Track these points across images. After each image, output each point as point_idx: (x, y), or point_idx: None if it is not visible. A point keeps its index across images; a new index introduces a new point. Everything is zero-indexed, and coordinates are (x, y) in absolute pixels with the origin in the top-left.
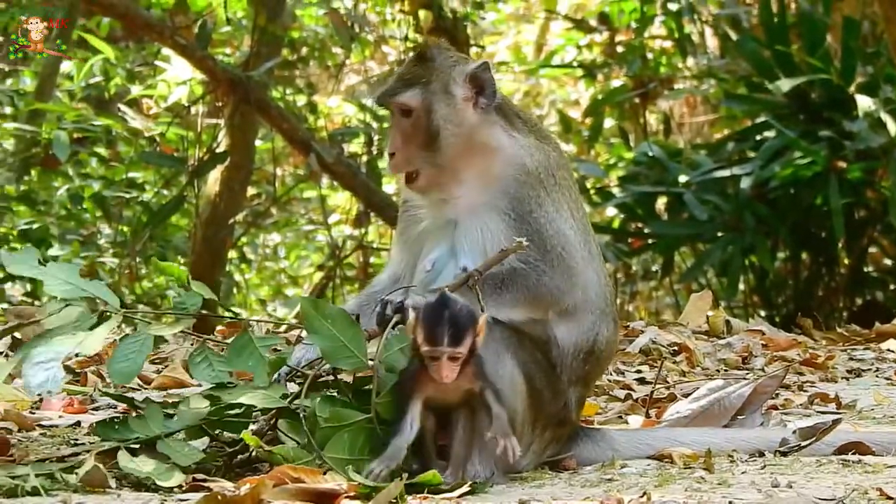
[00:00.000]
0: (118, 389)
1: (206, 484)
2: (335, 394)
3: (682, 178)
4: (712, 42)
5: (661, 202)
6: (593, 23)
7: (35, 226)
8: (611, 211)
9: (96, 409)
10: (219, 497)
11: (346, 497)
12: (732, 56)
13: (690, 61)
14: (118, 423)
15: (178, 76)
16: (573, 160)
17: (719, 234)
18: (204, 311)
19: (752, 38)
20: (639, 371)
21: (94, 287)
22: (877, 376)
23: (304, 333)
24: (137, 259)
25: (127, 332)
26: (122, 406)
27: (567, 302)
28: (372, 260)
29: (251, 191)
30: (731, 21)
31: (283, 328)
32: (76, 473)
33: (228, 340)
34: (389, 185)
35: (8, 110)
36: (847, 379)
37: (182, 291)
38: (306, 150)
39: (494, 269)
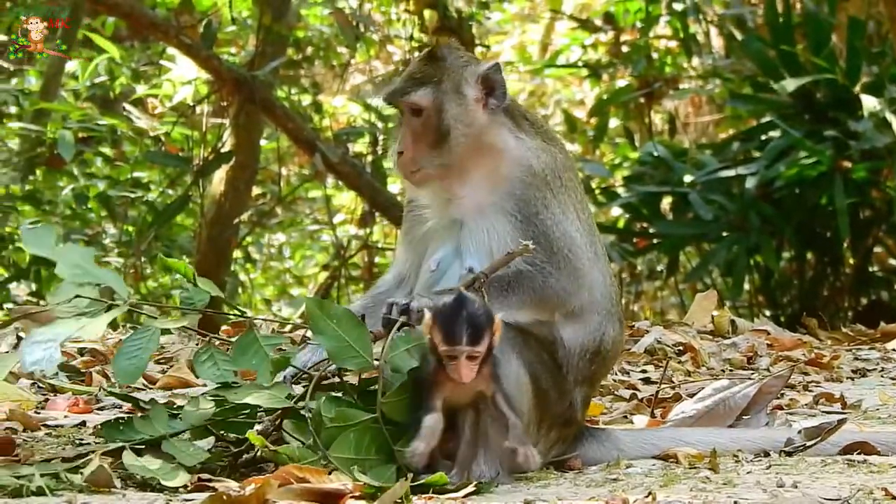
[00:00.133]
0: (123, 389)
1: (211, 484)
2: (340, 395)
3: (687, 178)
4: (717, 42)
5: (666, 202)
6: (598, 22)
7: (40, 225)
8: (616, 211)
9: (101, 409)
10: (224, 497)
11: (352, 497)
12: (737, 56)
13: (695, 61)
14: (123, 423)
15: (183, 76)
16: (578, 160)
17: (724, 233)
18: (210, 309)
19: (757, 37)
20: (644, 371)
21: (105, 274)
22: (882, 376)
23: (309, 333)
24: (142, 259)
25: (133, 329)
26: (127, 406)
27: (573, 303)
28: (377, 260)
29: (256, 190)
30: (736, 21)
31: (288, 328)
32: (81, 473)
33: (233, 340)
34: (394, 185)
35: (13, 110)
36: (852, 379)
37: (190, 287)
38: (311, 149)
39: (500, 272)
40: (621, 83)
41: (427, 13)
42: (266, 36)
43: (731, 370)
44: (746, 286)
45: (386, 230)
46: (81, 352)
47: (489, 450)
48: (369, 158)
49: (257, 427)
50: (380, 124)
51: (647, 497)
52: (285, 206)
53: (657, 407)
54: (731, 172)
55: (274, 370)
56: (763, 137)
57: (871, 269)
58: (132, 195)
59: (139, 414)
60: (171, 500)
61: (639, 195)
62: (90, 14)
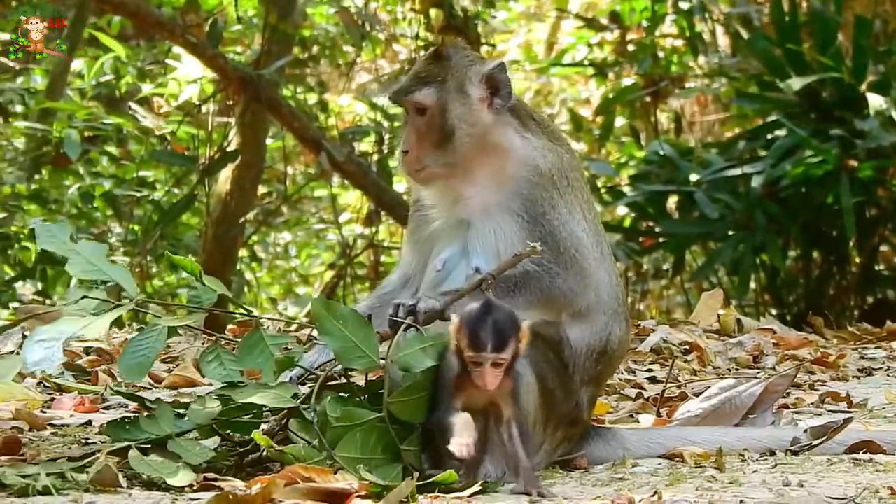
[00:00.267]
0: (129, 388)
1: (216, 483)
2: (346, 395)
3: (693, 177)
4: (723, 41)
5: (672, 201)
6: (604, 21)
7: (54, 222)
8: (622, 210)
9: (107, 408)
10: (230, 496)
11: (358, 496)
12: (743, 54)
13: (701, 60)
14: (129, 422)
15: (188, 74)
16: (584, 159)
17: (730, 232)
18: (216, 308)
19: (763, 36)
20: (650, 370)
21: (115, 271)
22: (888, 375)
23: (315, 333)
24: (148, 258)
25: (140, 328)
26: (133, 405)
27: (580, 303)
28: (383, 259)
29: (262, 189)
30: (742, 19)
31: (293, 327)
32: (87, 472)
33: (239, 339)
34: (400, 184)
35: (19, 109)
36: (858, 378)
37: (198, 286)
38: (317, 148)
39: (507, 272)
40: (627, 82)
41: (433, 12)
42: (272, 35)
43: (736, 369)
44: (752, 285)
45: (392, 229)
46: (87, 351)
47: (495, 450)
48: (375, 157)
49: (263, 427)
50: (385, 123)
51: (652, 496)
52: (291, 205)
53: (663, 406)
54: (737, 171)
55: (279, 370)
56: (769, 136)
57: (877, 268)
58: (138, 194)
59: (145, 413)
60: (176, 500)
61: (645, 194)
62: (96, 13)
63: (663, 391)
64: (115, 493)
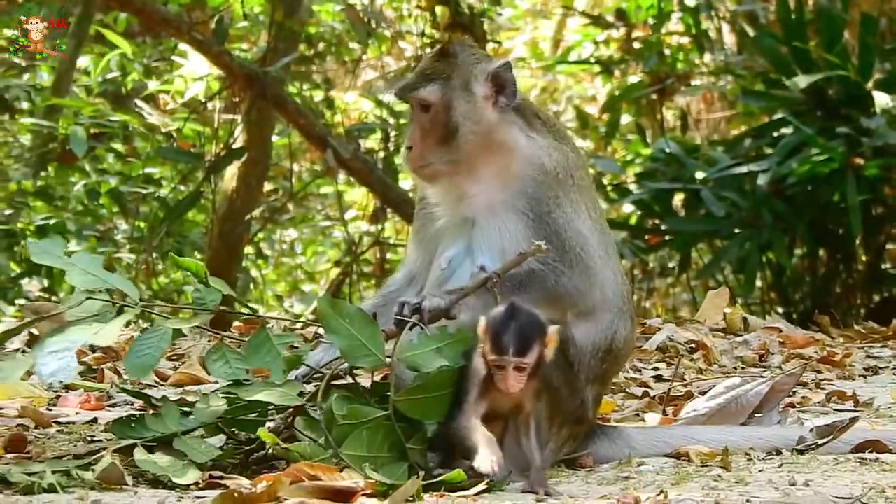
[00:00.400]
0: (135, 386)
1: (222, 481)
2: (352, 393)
3: (700, 175)
4: (729, 38)
5: (678, 199)
6: (610, 19)
7: (52, 221)
8: (628, 207)
9: (113, 405)
10: (235, 494)
11: (363, 494)
12: (750, 52)
13: (707, 57)
14: (135, 420)
15: (194, 72)
16: (590, 156)
17: (736, 230)
18: (222, 307)
19: (769, 34)
20: (656, 368)
21: (116, 279)
22: (894, 374)
23: (321, 330)
24: (154, 255)
25: (144, 328)
26: (138, 403)
27: (586, 302)
28: (389, 256)
29: (268, 186)
30: (748, 17)
31: (299, 325)
32: (93, 470)
33: (245, 338)
34: (406, 181)
35: (25, 105)
36: (864, 377)
37: (202, 287)
38: (323, 145)
39: (513, 271)
40: (633, 79)
41: (439, 9)
42: (278, 32)
43: (743, 368)
44: (758, 283)
45: (398, 226)
46: (93, 349)
47: (506, 451)
48: (381, 154)
49: (269, 425)
50: (391, 120)
51: (658, 495)
52: (297, 202)
53: (669, 405)
54: (743, 169)
55: (287, 368)
56: (775, 134)
57: (883, 266)
58: (144, 191)
59: (151, 411)
60: (182, 498)
61: (651, 192)
62: (102, 9)
63: (669, 390)
64: (120, 491)
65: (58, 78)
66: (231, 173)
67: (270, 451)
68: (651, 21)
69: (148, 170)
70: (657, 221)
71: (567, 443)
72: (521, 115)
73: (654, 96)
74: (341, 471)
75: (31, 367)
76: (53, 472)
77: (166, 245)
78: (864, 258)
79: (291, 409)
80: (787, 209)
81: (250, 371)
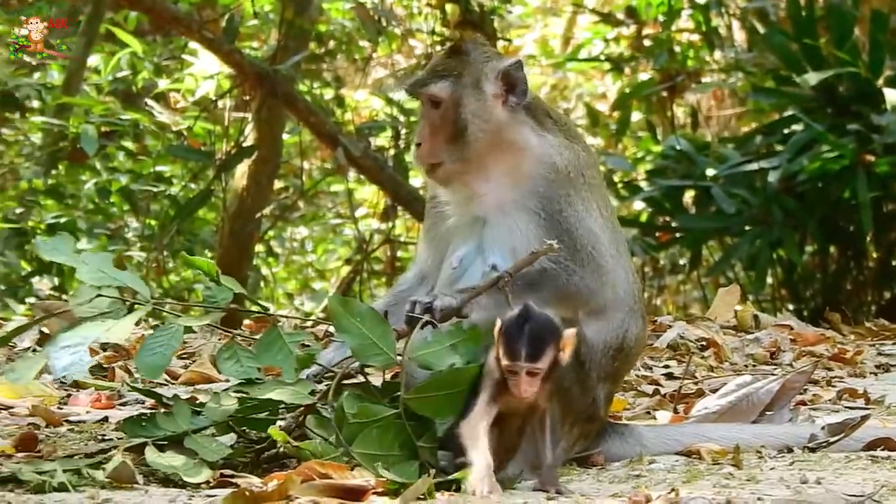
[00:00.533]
0: (146, 384)
1: (233, 480)
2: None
3: (710, 172)
4: (740, 35)
5: (689, 196)
6: (620, 16)
7: (63, 220)
8: (638, 204)
9: (124, 404)
10: (246, 493)
11: (375, 493)
12: (760, 49)
13: (718, 54)
14: (146, 419)
15: (205, 70)
16: (601, 154)
17: (747, 227)
18: (233, 306)
19: (779, 31)
20: (667, 366)
21: (126, 277)
22: None
23: (332, 329)
24: (165, 253)
25: (155, 326)
26: (149, 402)
27: (597, 301)
28: (399, 254)
29: (278, 184)
30: (758, 14)
31: (310, 323)
32: (104, 469)
33: (256, 336)
34: (416, 179)
35: (35, 104)
36: (875, 374)
37: (213, 285)
38: (333, 143)
39: (524, 270)
40: (643, 77)
41: (449, 7)
42: (288, 30)
43: (754, 365)
44: (769, 280)
45: (408, 224)
46: (104, 347)
47: (519, 449)
48: (391, 152)
49: (280, 423)
50: (402, 118)
51: (670, 493)
52: (307, 200)
53: (680, 403)
54: (753, 166)
55: (299, 367)
56: (786, 131)
57: (894, 263)
58: (154, 189)
59: (162, 410)
60: (193, 496)
61: (661, 189)
62: (113, 8)
63: (680, 388)
64: (131, 490)
65: (68, 77)
66: (241, 171)
67: (281, 449)
68: (661, 18)
69: (158, 168)
70: (668, 219)
71: (579, 441)
72: (532, 113)
73: (665, 93)
74: (352, 469)
75: (46, 370)
76: (64, 471)
77: (177, 243)
78: (874, 255)
79: (302, 408)
80: (797, 206)
81: (261, 369)
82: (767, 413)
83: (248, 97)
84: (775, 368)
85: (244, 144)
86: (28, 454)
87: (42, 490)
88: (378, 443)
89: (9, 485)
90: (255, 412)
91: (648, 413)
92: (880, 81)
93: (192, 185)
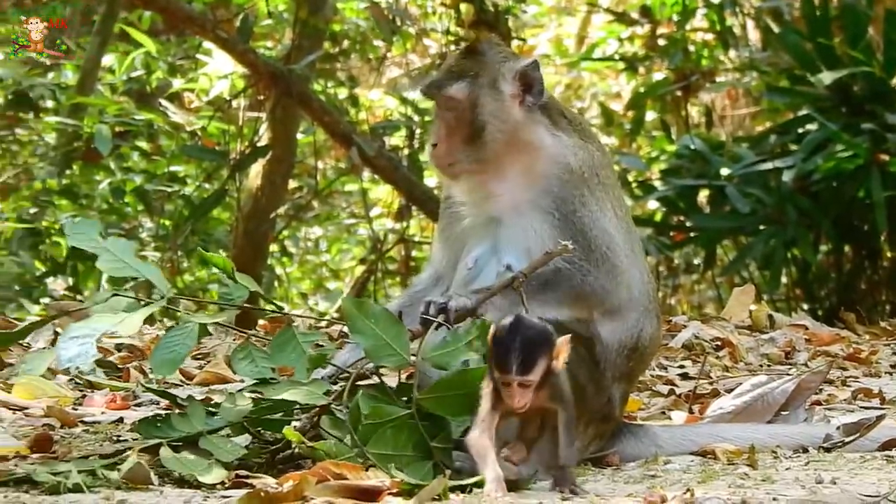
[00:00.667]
0: (160, 385)
1: (248, 480)
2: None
3: (724, 171)
4: (754, 35)
5: (703, 195)
6: (635, 15)
7: (77, 220)
8: (652, 204)
9: (139, 405)
10: (261, 493)
11: (389, 493)
12: (774, 49)
13: (732, 54)
14: (161, 419)
15: (219, 70)
16: (615, 153)
17: (761, 227)
18: (248, 305)
19: (794, 30)
20: (682, 366)
21: (146, 268)
22: None
23: (346, 329)
24: (179, 253)
25: (171, 326)
26: (164, 402)
27: (612, 301)
28: (414, 253)
29: (293, 184)
30: (772, 13)
31: (324, 323)
32: (118, 470)
33: (271, 336)
34: (431, 179)
35: (50, 104)
36: (890, 374)
37: (230, 283)
38: (348, 143)
39: (539, 270)
40: (658, 76)
41: (463, 7)
42: (302, 30)
43: (769, 365)
44: (783, 280)
45: (422, 224)
46: (119, 347)
47: (533, 450)
48: (406, 152)
49: (294, 424)
50: (416, 118)
51: (685, 493)
52: (322, 200)
53: (695, 403)
54: (768, 165)
55: (312, 366)
56: (800, 130)
57: None
58: (169, 189)
59: (176, 410)
60: (208, 497)
61: (676, 188)
62: (127, 8)
63: (695, 388)
64: (146, 491)
65: (82, 76)
66: (256, 171)
67: (296, 450)
68: (675, 18)
69: (173, 168)
70: (682, 218)
71: (594, 441)
72: (547, 113)
73: (679, 93)
74: (367, 470)
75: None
76: (79, 472)
77: (191, 243)
78: (889, 254)
79: (317, 409)
80: (812, 205)
81: (276, 370)
82: (783, 413)
83: (262, 97)
84: (790, 368)
85: (258, 144)
86: (43, 455)
87: (57, 491)
88: (392, 443)
89: (24, 486)
90: (270, 413)
91: (663, 413)
92: (894, 81)
93: (207, 185)
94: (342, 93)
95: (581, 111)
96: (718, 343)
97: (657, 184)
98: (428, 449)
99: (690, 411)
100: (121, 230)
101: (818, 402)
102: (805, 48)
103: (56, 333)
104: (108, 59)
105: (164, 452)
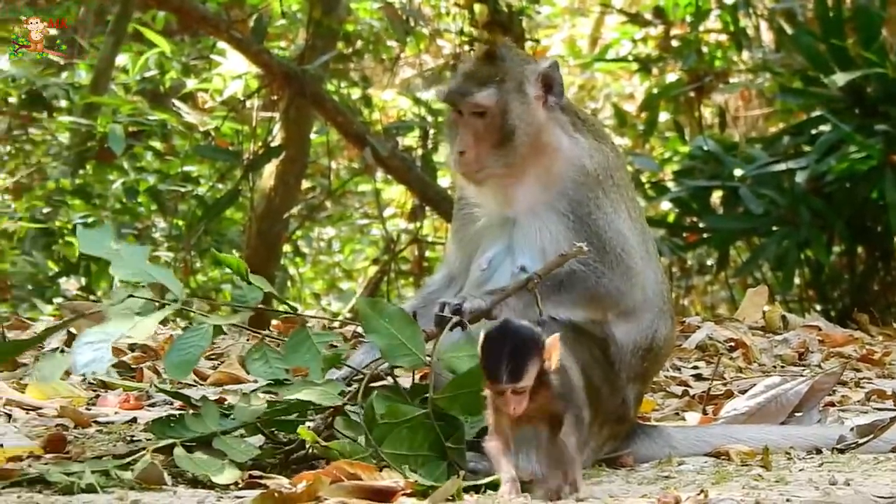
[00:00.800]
0: (174, 386)
1: (262, 481)
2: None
3: (738, 172)
4: (767, 36)
5: (717, 196)
6: (648, 17)
7: (90, 219)
8: (665, 205)
9: (152, 405)
10: (275, 494)
11: (403, 494)
12: (788, 50)
13: (745, 55)
14: (174, 419)
15: (233, 70)
16: (628, 154)
17: (774, 228)
18: (262, 306)
19: (807, 31)
20: (695, 367)
21: (160, 273)
22: None
23: (360, 330)
24: (192, 253)
25: (185, 327)
26: (178, 403)
27: (627, 303)
28: (427, 254)
29: (306, 184)
30: (786, 15)
31: (337, 323)
32: (132, 470)
33: (284, 336)
34: (444, 179)
35: (63, 104)
36: None
37: (244, 285)
38: (361, 143)
39: (553, 271)
40: (671, 77)
41: (477, 7)
42: (316, 30)
43: (782, 366)
44: (796, 281)
45: (436, 224)
46: (132, 347)
47: (541, 449)
48: (419, 152)
49: (308, 425)
50: (430, 118)
51: (699, 494)
52: (335, 200)
53: (709, 404)
54: (781, 167)
55: (326, 367)
56: (813, 132)
57: None
58: (182, 189)
59: (190, 411)
60: (221, 497)
61: (689, 189)
62: (141, 8)
63: (709, 389)
64: (160, 491)
65: (96, 76)
66: (269, 171)
67: (310, 450)
68: (689, 19)
69: (186, 168)
70: (695, 219)
71: (608, 442)
72: (566, 114)
73: (692, 94)
74: (381, 470)
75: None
76: (92, 472)
77: (204, 243)
78: None
79: (331, 410)
80: (825, 206)
81: (290, 370)
82: (796, 414)
83: (275, 97)
84: (804, 369)
85: (272, 144)
86: (56, 455)
87: (70, 491)
88: (408, 443)
89: (37, 486)
90: (284, 413)
91: (677, 414)
92: None
93: (220, 185)
94: (356, 93)
95: (594, 112)
96: (732, 344)
97: (670, 185)
98: (443, 449)
99: (704, 412)
100: (134, 230)
101: (832, 404)
102: (818, 49)
103: (69, 333)
104: (121, 59)
105: (178, 453)
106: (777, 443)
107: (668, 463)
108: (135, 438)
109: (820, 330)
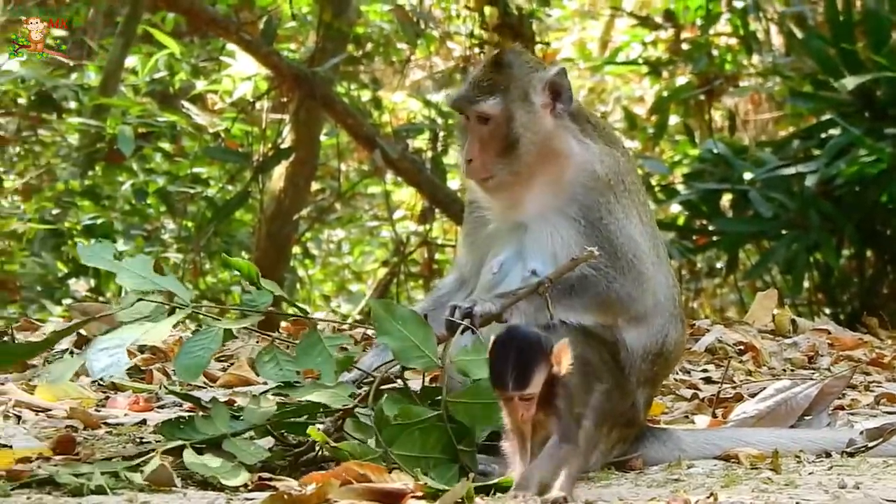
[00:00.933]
0: (184, 388)
1: (271, 483)
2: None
3: (747, 176)
4: (777, 39)
5: (726, 199)
6: (658, 20)
7: (99, 221)
8: (675, 208)
9: (162, 407)
10: (284, 496)
11: (413, 496)
12: (798, 53)
13: (756, 59)
14: (184, 421)
15: (243, 72)
16: (638, 157)
17: (784, 231)
18: (272, 309)
19: (817, 35)
20: (705, 370)
21: (166, 281)
22: None
23: (370, 332)
24: (202, 254)
25: (195, 330)
26: (187, 404)
27: (637, 308)
28: (437, 256)
29: (315, 186)
30: (796, 19)
31: (347, 326)
32: (142, 472)
33: (294, 339)
34: (454, 182)
35: (73, 105)
36: None
37: (253, 289)
38: (371, 145)
39: (564, 276)
40: (681, 80)
41: (487, 10)
42: (326, 32)
43: (792, 370)
44: (806, 284)
45: (446, 226)
46: (142, 349)
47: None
48: (429, 154)
49: (318, 427)
50: (440, 120)
51: (708, 498)
52: (345, 202)
53: (718, 407)
54: (791, 170)
55: (339, 370)
56: (823, 135)
57: None
58: (191, 191)
59: (200, 413)
60: (231, 499)
61: (698, 192)
62: (150, 10)
63: (718, 392)
64: (169, 493)
65: (105, 77)
66: (279, 173)
67: (320, 453)
68: (699, 22)
69: (196, 169)
70: (705, 222)
71: (617, 445)
72: (575, 120)
73: (702, 97)
74: (390, 472)
75: (83, 372)
76: (102, 474)
77: (214, 245)
78: None
79: (341, 412)
80: (834, 210)
81: (300, 372)
82: (806, 418)
83: (285, 99)
84: (813, 373)
85: (282, 146)
86: (66, 457)
87: (80, 493)
88: (420, 445)
89: (46, 487)
90: (294, 416)
91: (687, 417)
92: None
93: (230, 187)
94: (366, 95)
95: (604, 115)
96: (741, 347)
97: (680, 188)
98: (455, 452)
99: (714, 415)
100: (143, 232)
101: (841, 407)
102: (828, 53)
103: (78, 335)
104: (131, 61)
105: (188, 454)
106: (787, 446)
107: (678, 466)
108: (144, 440)
109: (829, 333)
